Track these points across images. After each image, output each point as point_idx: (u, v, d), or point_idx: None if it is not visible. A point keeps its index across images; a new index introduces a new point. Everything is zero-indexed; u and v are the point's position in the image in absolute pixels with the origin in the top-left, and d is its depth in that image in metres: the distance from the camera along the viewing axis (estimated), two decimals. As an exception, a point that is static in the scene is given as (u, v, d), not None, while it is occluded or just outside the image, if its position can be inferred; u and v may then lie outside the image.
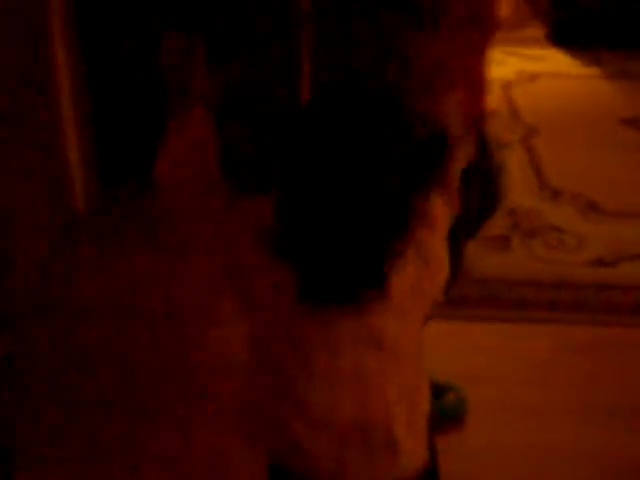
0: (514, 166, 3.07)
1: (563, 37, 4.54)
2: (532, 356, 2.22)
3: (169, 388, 1.97)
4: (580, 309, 2.43)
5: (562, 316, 2.39)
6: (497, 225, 2.79)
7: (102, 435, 1.87)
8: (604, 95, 4.12)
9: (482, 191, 1.28)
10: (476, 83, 1.17)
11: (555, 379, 2.14)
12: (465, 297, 2.37)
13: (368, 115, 0.92)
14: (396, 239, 0.94)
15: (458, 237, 1.07)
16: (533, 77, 4.20)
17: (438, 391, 1.74)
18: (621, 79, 4.30)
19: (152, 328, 2.17)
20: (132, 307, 2.24)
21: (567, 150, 3.44)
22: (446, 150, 0.95)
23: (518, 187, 3.08)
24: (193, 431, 1.83)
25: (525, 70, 4.27)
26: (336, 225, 0.92)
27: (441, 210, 0.98)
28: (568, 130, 3.59)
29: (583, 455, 1.89)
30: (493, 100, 1.34)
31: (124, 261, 2.38)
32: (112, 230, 2.47)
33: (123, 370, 2.04)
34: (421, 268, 0.98)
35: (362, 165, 0.91)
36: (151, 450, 1.80)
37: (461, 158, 0.99)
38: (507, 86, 3.85)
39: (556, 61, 4.44)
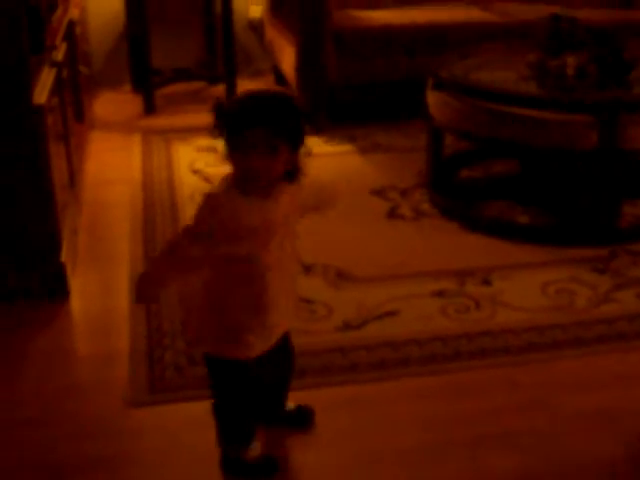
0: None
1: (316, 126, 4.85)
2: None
3: None
4: (327, 373, 2.64)
5: (311, 381, 2.58)
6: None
7: None
8: (357, 169, 4.46)
9: None
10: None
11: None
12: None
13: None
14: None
15: None
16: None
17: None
18: (372, 153, 4.69)
19: None
20: None
21: (320, 225, 3.69)
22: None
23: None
24: None
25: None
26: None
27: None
28: (323, 206, 3.85)
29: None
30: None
31: None
32: None
33: None
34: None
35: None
36: None
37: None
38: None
39: (312, 144, 4.76)
